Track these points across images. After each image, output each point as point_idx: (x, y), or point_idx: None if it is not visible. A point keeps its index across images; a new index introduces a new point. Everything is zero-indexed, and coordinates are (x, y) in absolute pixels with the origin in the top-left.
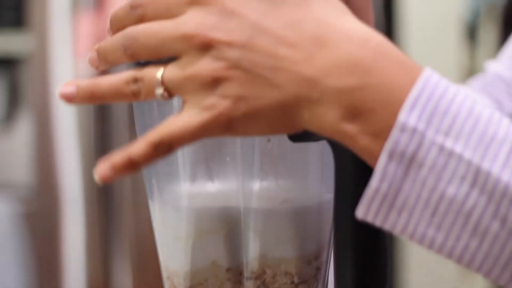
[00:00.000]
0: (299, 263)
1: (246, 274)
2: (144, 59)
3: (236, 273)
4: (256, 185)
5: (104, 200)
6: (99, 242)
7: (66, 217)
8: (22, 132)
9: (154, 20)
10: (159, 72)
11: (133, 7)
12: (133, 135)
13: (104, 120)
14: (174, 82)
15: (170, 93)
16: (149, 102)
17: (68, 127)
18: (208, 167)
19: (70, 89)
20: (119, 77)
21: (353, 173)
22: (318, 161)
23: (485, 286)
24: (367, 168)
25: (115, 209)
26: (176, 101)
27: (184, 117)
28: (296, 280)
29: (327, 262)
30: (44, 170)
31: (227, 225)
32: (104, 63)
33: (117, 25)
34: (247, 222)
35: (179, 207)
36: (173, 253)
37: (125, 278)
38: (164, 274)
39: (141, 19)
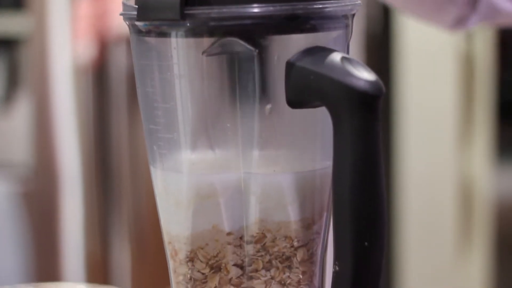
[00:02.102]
0: (299, 228)
1: (246, 238)
2: None
3: (236, 237)
4: (256, 152)
5: (102, 178)
6: (97, 220)
7: (64, 196)
8: (21, 112)
9: None
10: None
11: None
12: (131, 115)
13: (103, 99)
14: None
15: None
16: (150, 70)
17: (66, 106)
18: (208, 135)
19: None
20: None
21: (351, 139)
22: (317, 127)
23: (481, 269)
24: (366, 135)
25: (113, 187)
26: (177, 69)
27: None
28: (295, 244)
29: (326, 226)
30: (43, 150)
31: (227, 191)
32: None
33: None
34: (247, 188)
35: (180, 173)
36: (174, 218)
37: (124, 255)
38: (165, 240)
39: None
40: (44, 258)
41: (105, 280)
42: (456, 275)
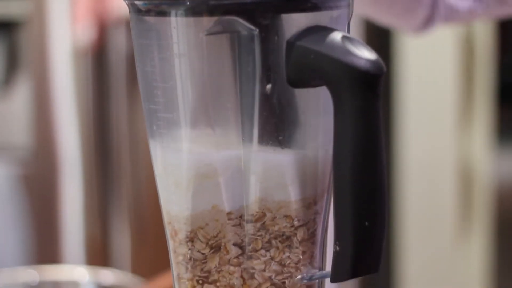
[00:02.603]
0: (299, 207)
1: (246, 217)
2: None
3: (236, 216)
4: (256, 132)
5: (102, 161)
6: (97, 203)
7: (64, 179)
8: (21, 95)
9: None
10: None
11: None
12: (131, 97)
13: (102, 81)
14: None
15: None
16: (150, 49)
17: (66, 89)
18: (208, 115)
19: None
20: None
21: (352, 118)
22: (318, 107)
23: (480, 253)
24: (366, 114)
25: (113, 169)
26: (177, 48)
27: None
28: (295, 223)
29: (327, 206)
30: (42, 133)
31: (227, 170)
32: None
33: None
34: (247, 167)
35: (180, 153)
36: (174, 199)
37: (124, 238)
38: (165, 220)
39: None
40: (44, 241)
41: (105, 262)
42: (456, 259)
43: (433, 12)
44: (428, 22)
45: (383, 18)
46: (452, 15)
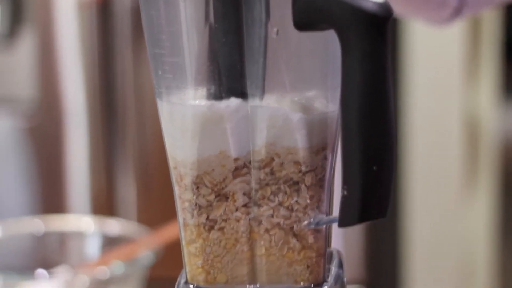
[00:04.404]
0: (307, 153)
1: (253, 163)
2: None
3: (244, 162)
4: (262, 76)
5: (107, 113)
6: (103, 153)
7: (69, 130)
8: (25, 47)
9: None
10: None
11: None
12: (136, 49)
13: (107, 33)
14: None
15: None
16: None
17: (70, 41)
18: (213, 59)
19: None
20: None
21: (360, 62)
22: (326, 52)
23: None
24: (374, 57)
25: (118, 121)
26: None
27: None
28: (303, 169)
29: (334, 151)
30: (47, 85)
31: (234, 117)
32: None
33: None
34: (254, 113)
35: (186, 99)
36: (180, 143)
37: (130, 188)
38: (170, 165)
39: None
40: (50, 192)
41: (111, 213)
42: (462, 214)
43: (461, 3)
44: (456, 13)
45: (415, 16)
46: (479, 4)
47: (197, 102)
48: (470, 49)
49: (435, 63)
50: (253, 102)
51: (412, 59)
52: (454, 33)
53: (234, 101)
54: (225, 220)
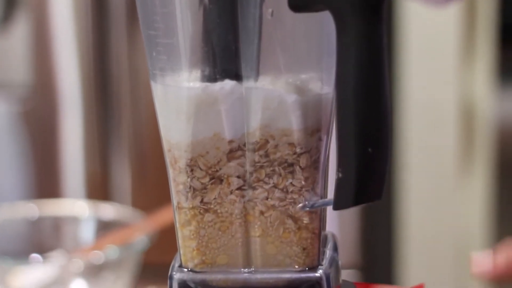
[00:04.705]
0: (302, 134)
1: (248, 146)
2: None
3: (238, 145)
4: (257, 58)
5: (102, 97)
6: (97, 138)
7: (64, 115)
8: (20, 31)
9: None
10: None
11: None
12: (131, 34)
13: (102, 18)
14: None
15: None
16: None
17: (65, 25)
18: (208, 40)
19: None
20: None
21: (355, 43)
22: (321, 33)
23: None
24: (370, 38)
25: (113, 106)
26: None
27: None
28: (298, 150)
29: (329, 133)
30: (42, 69)
31: (228, 99)
32: None
33: None
34: (249, 95)
35: (180, 81)
36: (175, 126)
37: (124, 173)
38: (165, 148)
39: None
40: (44, 177)
41: (105, 198)
42: (458, 199)
43: None
44: None
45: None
46: None
47: (191, 84)
48: (465, 33)
49: (430, 46)
50: (248, 83)
51: (407, 42)
52: (450, 16)
53: (228, 83)
54: (220, 203)
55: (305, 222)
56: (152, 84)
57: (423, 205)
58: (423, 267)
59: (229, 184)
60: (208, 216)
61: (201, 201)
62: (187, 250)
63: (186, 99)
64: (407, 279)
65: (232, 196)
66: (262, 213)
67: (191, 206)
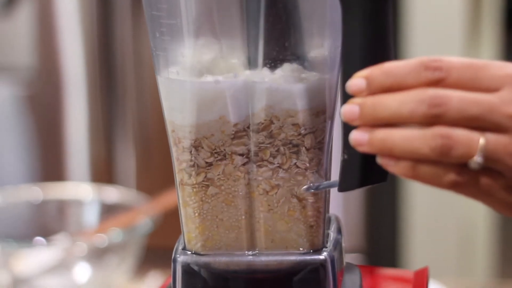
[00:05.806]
0: (307, 115)
1: (252, 126)
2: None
3: (243, 127)
4: (262, 38)
5: (106, 81)
6: (102, 121)
7: (69, 99)
8: (24, 15)
9: (455, 87)
10: (481, 139)
11: (428, 68)
12: (136, 17)
13: (107, 2)
14: (498, 153)
15: (486, 162)
16: None
17: (70, 9)
18: (212, 22)
19: (361, 136)
20: (422, 132)
21: (361, 22)
22: (325, 13)
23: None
24: (377, 17)
25: (118, 89)
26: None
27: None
28: (303, 131)
29: (334, 115)
30: (47, 53)
31: (234, 84)
32: (383, 113)
33: (395, 81)
34: (254, 75)
35: (185, 70)
36: (179, 107)
37: (129, 156)
38: (168, 128)
39: (437, 82)
40: (49, 160)
41: (110, 181)
42: None
43: None
44: None
45: None
46: None
47: (195, 72)
48: (471, 17)
49: (436, 30)
50: (253, 66)
51: (412, 27)
52: (455, 1)
53: (233, 65)
54: (223, 179)
55: (310, 201)
56: (155, 66)
57: (428, 188)
58: (427, 250)
59: (233, 161)
60: (212, 190)
61: (205, 177)
62: (190, 229)
63: (190, 82)
64: (411, 262)
65: (237, 172)
66: (266, 192)
67: (194, 182)
